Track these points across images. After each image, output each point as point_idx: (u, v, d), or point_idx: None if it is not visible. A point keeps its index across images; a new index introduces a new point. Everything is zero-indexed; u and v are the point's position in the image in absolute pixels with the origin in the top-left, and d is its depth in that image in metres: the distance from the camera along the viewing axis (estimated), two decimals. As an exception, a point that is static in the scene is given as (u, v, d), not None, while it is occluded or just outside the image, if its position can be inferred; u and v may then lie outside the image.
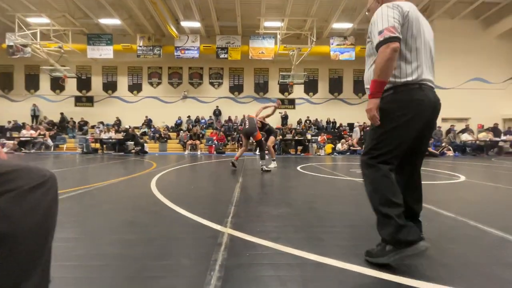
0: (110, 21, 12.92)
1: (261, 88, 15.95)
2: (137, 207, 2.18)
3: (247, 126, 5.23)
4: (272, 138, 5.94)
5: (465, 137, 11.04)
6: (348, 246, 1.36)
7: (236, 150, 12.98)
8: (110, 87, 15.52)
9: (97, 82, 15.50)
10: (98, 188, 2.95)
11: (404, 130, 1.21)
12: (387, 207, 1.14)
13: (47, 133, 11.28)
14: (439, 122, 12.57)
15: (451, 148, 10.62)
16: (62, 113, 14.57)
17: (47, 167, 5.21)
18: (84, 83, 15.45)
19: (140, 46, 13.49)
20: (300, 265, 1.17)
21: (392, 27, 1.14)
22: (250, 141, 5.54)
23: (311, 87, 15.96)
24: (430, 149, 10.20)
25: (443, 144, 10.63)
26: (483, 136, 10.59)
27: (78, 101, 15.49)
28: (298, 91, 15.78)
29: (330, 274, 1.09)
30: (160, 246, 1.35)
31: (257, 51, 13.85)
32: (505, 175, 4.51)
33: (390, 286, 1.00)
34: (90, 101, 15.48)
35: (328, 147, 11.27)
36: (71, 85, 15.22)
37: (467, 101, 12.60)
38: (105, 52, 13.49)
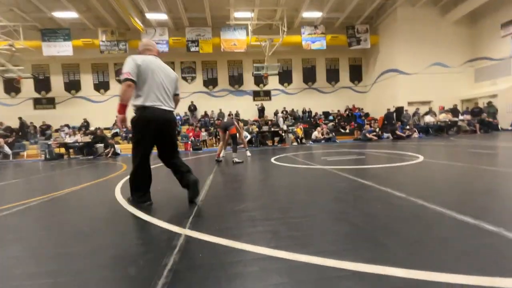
0: (66, 14, 11.92)
1: (236, 80, 15.77)
2: (93, 215, 2.07)
3: (225, 120, 5.91)
4: (240, 132, 6.59)
5: (428, 119, 11.81)
6: (300, 236, 1.40)
7: (214, 145, 12.83)
8: (73, 86, 14.48)
9: (57, 82, 14.37)
10: (55, 198, 2.76)
11: (146, 133, 2.13)
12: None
13: (1, 140, 10.31)
14: (406, 106, 13.34)
15: (416, 130, 11.32)
16: (20, 118, 13.37)
17: (2, 178, 4.79)
18: (42, 84, 14.26)
19: (103, 41, 12.64)
20: (251, 261, 1.18)
21: (128, 72, 1.99)
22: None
23: (285, 77, 16.06)
24: (398, 132, 10.81)
25: (408, 127, 11.29)
26: (443, 117, 11.40)
27: (38, 103, 14.32)
28: (273, 82, 15.81)
29: (279, 266, 1.11)
30: (108, 256, 1.29)
31: (229, 43, 13.58)
32: (460, 153, 4.90)
33: (332, 271, 1.04)
34: (51, 102, 14.36)
35: (298, 130, 11.57)
36: (27, 87, 14.00)
37: (429, 85, 13.44)
38: (63, 48, 12.48)
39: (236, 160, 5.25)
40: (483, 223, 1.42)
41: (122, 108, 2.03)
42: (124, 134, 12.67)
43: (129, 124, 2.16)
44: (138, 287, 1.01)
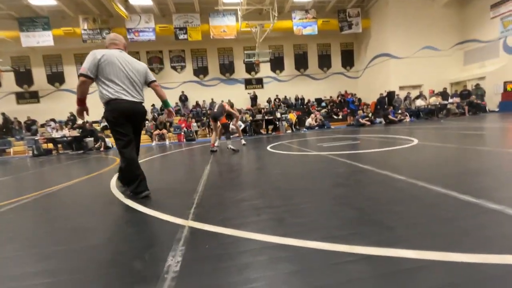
0: (44, 1, 11.21)
1: (227, 69, 15.43)
2: (89, 210, 2.00)
3: (215, 110, 5.66)
4: (235, 120, 6.74)
5: (419, 102, 11.96)
6: (306, 223, 1.38)
7: (207, 135, 12.69)
8: (56, 79, 13.85)
9: (39, 75, 13.71)
10: (47, 194, 2.66)
11: (119, 123, 2.17)
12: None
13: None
14: (397, 91, 13.44)
15: (407, 114, 11.47)
16: (3, 113, 12.76)
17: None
18: (24, 77, 13.59)
19: (84, 30, 12.01)
20: (260, 249, 1.16)
21: (84, 68, 2.03)
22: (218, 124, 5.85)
23: (277, 64, 15.82)
24: (390, 116, 10.93)
25: (400, 112, 11.42)
26: (433, 100, 11.56)
27: (20, 97, 13.70)
28: (265, 70, 15.57)
29: (289, 254, 1.10)
30: (109, 252, 1.25)
31: (219, 29, 13.15)
32: (452, 135, 4.99)
33: (342, 256, 1.04)
34: (34, 96, 13.75)
35: (291, 116, 11.55)
36: (8, 80, 13.33)
37: (420, 69, 13.52)
38: (44, 38, 11.82)
39: (231, 147, 5.28)
40: (485, 202, 1.44)
41: (79, 102, 2.19)
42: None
43: (88, 116, 2.37)
44: (146, 283, 0.97)
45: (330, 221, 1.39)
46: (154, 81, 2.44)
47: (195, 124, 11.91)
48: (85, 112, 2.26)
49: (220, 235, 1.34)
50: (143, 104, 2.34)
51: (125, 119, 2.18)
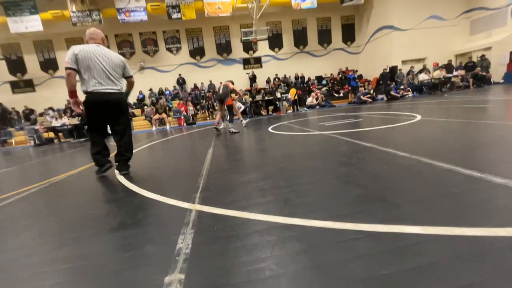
0: (27, -17, 10.61)
1: (224, 48, 14.95)
2: (97, 197, 2.04)
3: (220, 92, 5.80)
4: (235, 103, 7.12)
5: (422, 77, 11.68)
6: (312, 202, 1.40)
7: (208, 118, 12.62)
8: (49, 66, 13.52)
9: (32, 62, 13.37)
10: (54, 183, 2.70)
11: (92, 114, 2.49)
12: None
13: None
14: (400, 65, 13.08)
15: (410, 90, 11.25)
16: (0, 104, 12.61)
17: (-6, 167, 4.65)
18: (16, 65, 13.27)
19: (73, 12, 11.50)
20: (267, 230, 1.18)
21: (66, 61, 2.30)
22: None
23: (275, 42, 15.29)
24: (392, 92, 10.73)
25: (402, 87, 11.19)
26: (437, 74, 11.27)
27: (15, 87, 13.48)
28: (263, 48, 15.09)
29: (297, 233, 1.12)
30: (121, 237, 1.28)
31: (213, 6, 12.56)
32: (456, 109, 4.92)
33: (349, 234, 1.06)
34: (29, 85, 13.53)
35: (292, 92, 11.30)
36: (1, 69, 13.02)
37: (424, 41, 13.04)
38: (32, 23, 11.37)
39: (233, 130, 5.39)
40: (490, 176, 1.44)
41: (70, 94, 2.40)
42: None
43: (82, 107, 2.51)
44: (159, 265, 1.01)
45: (335, 200, 1.41)
46: (132, 76, 2.74)
47: (191, 108, 11.73)
48: (80, 104, 2.49)
49: (227, 217, 1.37)
50: (121, 93, 2.59)
51: (99, 109, 2.48)
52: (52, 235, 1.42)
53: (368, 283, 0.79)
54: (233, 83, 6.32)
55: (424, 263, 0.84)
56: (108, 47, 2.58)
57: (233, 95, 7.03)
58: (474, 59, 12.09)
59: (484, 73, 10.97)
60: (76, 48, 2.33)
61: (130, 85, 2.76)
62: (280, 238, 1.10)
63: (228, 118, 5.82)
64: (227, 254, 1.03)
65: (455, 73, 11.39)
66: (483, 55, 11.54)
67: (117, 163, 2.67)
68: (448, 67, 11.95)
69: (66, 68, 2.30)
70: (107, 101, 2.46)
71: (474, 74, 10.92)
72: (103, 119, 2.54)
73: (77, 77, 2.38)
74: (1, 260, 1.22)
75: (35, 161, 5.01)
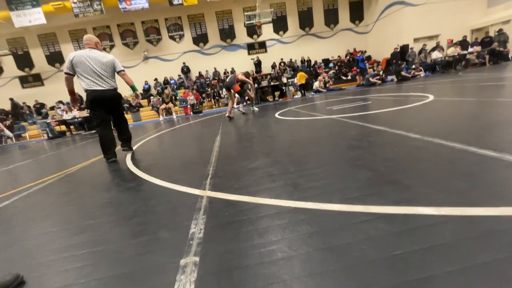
0: (27, -25, 10.49)
1: (227, 34, 14.63)
2: (111, 186, 2.10)
3: (227, 80, 6.15)
4: (250, 89, 7.30)
5: (435, 55, 11.16)
6: (322, 186, 1.40)
7: (214, 106, 12.59)
8: (55, 59, 13.63)
9: (38, 56, 13.50)
10: (69, 174, 2.79)
11: (92, 108, 2.98)
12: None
13: (0, 124, 10.17)
14: (411, 44, 12.50)
15: (422, 69, 10.81)
16: (12, 99, 12.92)
17: (12, 160, 4.84)
18: (23, 60, 13.43)
19: (74, 3, 11.38)
20: (278, 214, 1.20)
21: (65, 67, 2.85)
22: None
23: (280, 25, 14.82)
24: (403, 73, 10.35)
25: (414, 67, 10.75)
26: (451, 51, 10.74)
27: (24, 81, 13.70)
28: (267, 32, 14.67)
29: (308, 216, 1.13)
30: (137, 223, 1.33)
31: (215, -11, 12.15)
32: (469, 87, 4.72)
33: (360, 216, 1.06)
34: (38, 79, 13.73)
35: (300, 75, 10.89)
36: (9, 65, 13.24)
37: (438, 16, 12.33)
38: (35, 16, 11.36)
39: (241, 110, 6.23)
40: (506, 155, 1.40)
41: (69, 93, 3.02)
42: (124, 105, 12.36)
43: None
44: (174, 248, 1.04)
45: (346, 183, 1.40)
46: (122, 70, 3.08)
47: (191, 97, 11.54)
48: (78, 101, 3.23)
49: (238, 202, 1.39)
50: (114, 89, 3.06)
51: (98, 105, 2.95)
52: (71, 223, 1.48)
53: (380, 263, 0.79)
54: (248, 75, 6.58)
55: (437, 243, 0.84)
56: (112, 46, 3.13)
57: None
58: (491, 34, 11.41)
59: (501, 49, 10.37)
60: (71, 55, 2.80)
61: (125, 79, 3.09)
62: (291, 221, 1.11)
63: (239, 100, 6.67)
64: (239, 238, 1.05)
65: (470, 49, 10.82)
66: (500, 29, 10.86)
67: (121, 142, 3.42)
68: (463, 44, 11.35)
69: (65, 73, 2.86)
70: (103, 96, 2.95)
71: (491, 50, 10.35)
72: (103, 111, 3.01)
73: (81, 78, 2.88)
74: (24, 246, 1.29)
75: (50, 153, 5.18)
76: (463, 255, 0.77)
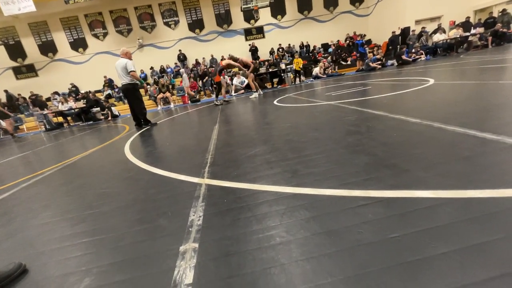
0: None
1: (224, 19, 14.21)
2: (110, 176, 2.10)
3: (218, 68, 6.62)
4: (251, 74, 7.55)
5: (437, 37, 10.91)
6: (320, 172, 1.40)
7: (212, 95, 12.44)
8: (48, 48, 13.29)
9: (30, 46, 13.15)
10: (68, 165, 2.79)
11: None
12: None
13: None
14: (413, 26, 12.19)
15: (423, 52, 10.60)
16: (6, 91, 12.67)
17: (11, 152, 4.82)
18: (15, 50, 13.09)
19: (64, -11, 10.93)
20: (276, 200, 1.20)
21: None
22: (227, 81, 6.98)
23: (278, 8, 14.38)
24: (403, 57, 10.16)
25: (414, 50, 10.53)
26: (453, 33, 10.49)
27: (18, 72, 13.43)
28: (265, 16, 14.26)
29: (304, 202, 1.13)
30: (136, 212, 1.33)
31: (209, -28, 11.66)
32: (471, 70, 4.64)
33: (358, 201, 1.06)
34: (31, 70, 13.45)
35: (296, 61, 10.64)
36: (1, 55, 12.92)
37: (440, -4, 11.94)
38: (24, 4, 10.95)
39: (216, 103, 6.65)
40: (507, 138, 1.39)
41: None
42: (117, 95, 12.22)
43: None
44: (173, 236, 1.05)
45: (344, 168, 1.40)
46: (132, 71, 4.75)
47: (187, 86, 11.30)
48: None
49: (236, 189, 1.39)
50: (127, 84, 4.84)
51: (123, 93, 5.19)
52: (71, 213, 1.49)
53: (376, 246, 0.80)
54: (236, 60, 6.66)
55: (434, 225, 0.84)
56: (130, 58, 4.93)
57: (236, 69, 7.68)
58: (495, 14, 11.09)
59: (504, 30, 10.13)
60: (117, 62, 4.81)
61: (133, 77, 4.81)
62: (289, 207, 1.12)
63: (215, 92, 6.87)
64: (237, 224, 1.06)
65: (473, 31, 10.56)
66: (504, 9, 10.55)
67: (140, 122, 5.11)
68: (466, 25, 11.06)
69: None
70: (123, 89, 5.02)
71: (494, 31, 10.10)
72: (126, 98, 5.18)
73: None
74: (25, 237, 1.30)
75: (48, 145, 5.16)
76: (459, 237, 0.78)
